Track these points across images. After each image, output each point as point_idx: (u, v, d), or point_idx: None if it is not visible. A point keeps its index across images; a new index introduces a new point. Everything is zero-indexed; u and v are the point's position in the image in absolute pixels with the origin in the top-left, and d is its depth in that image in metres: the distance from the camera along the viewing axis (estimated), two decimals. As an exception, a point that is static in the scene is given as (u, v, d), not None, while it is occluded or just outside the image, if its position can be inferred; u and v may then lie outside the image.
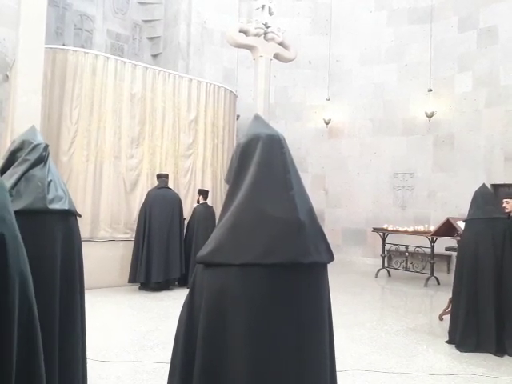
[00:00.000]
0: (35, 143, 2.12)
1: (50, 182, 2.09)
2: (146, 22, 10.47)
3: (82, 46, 8.81)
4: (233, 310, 1.14)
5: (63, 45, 8.04)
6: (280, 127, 9.94)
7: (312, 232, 1.21)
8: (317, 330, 1.23)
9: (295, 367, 1.17)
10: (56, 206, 2.07)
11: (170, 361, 1.34)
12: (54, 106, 5.98)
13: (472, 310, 3.96)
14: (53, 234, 2.06)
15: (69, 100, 6.05)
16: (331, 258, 1.27)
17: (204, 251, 1.21)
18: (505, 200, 4.40)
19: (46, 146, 2.17)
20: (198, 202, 6.64)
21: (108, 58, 6.49)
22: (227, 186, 1.32)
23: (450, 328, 4.18)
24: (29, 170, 2.04)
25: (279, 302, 1.16)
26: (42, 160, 2.11)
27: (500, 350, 3.82)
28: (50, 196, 2.05)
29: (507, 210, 4.34)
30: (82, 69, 6.14)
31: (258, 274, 1.14)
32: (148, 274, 5.86)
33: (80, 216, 2.32)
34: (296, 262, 1.15)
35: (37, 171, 2.07)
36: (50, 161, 2.18)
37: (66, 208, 2.12)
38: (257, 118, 1.39)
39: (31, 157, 2.07)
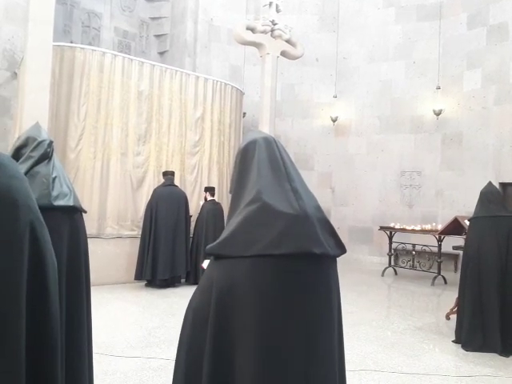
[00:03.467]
0: (39, 140, 2.12)
1: (54, 179, 2.09)
2: (153, 19, 10.48)
3: (90, 44, 8.85)
4: (243, 302, 1.14)
5: (71, 42, 8.08)
6: (287, 125, 9.93)
7: (321, 227, 1.22)
8: (326, 322, 1.23)
9: (304, 360, 1.16)
10: (61, 202, 2.07)
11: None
12: (62, 103, 6.01)
13: (477, 310, 3.93)
14: (58, 230, 2.06)
15: (76, 97, 6.08)
16: (342, 251, 1.27)
17: (213, 244, 1.22)
18: None
19: (51, 143, 2.18)
20: (206, 199, 6.65)
21: (115, 55, 6.50)
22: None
23: (456, 327, 4.16)
24: (33, 167, 2.04)
25: (290, 292, 1.16)
26: (46, 156, 2.11)
27: (505, 351, 3.79)
28: (54, 193, 2.05)
29: None
30: (90, 66, 6.16)
31: (269, 264, 1.14)
32: (154, 271, 5.89)
33: (85, 212, 2.32)
34: (307, 252, 1.16)
35: (41, 168, 2.07)
36: (55, 157, 2.18)
37: (71, 204, 2.12)
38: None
39: (36, 153, 2.07)
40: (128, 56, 6.85)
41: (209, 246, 1.23)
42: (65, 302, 2.03)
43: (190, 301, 1.32)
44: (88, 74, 6.14)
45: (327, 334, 1.24)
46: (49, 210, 2.01)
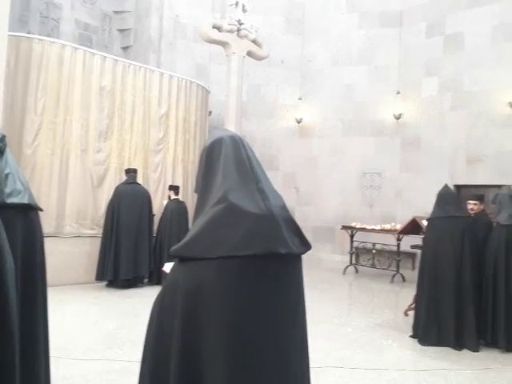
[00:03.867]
0: None
1: (7, 175, 1.99)
2: (116, 12, 10.20)
3: (48, 36, 8.48)
4: (210, 304, 1.12)
5: (28, 33, 7.71)
6: (252, 125, 9.95)
7: (286, 226, 1.22)
8: (293, 320, 1.24)
9: (274, 360, 1.17)
10: (14, 200, 1.98)
11: (139, 360, 1.32)
12: (18, 96, 5.74)
13: (433, 306, 4.11)
14: (12, 229, 1.96)
15: (33, 91, 5.81)
16: (307, 248, 1.28)
17: (178, 245, 1.19)
18: (472, 202, 4.57)
19: (3, 137, 2.07)
20: (170, 198, 6.54)
21: (76, 48, 6.28)
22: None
23: (414, 323, 4.33)
24: None
25: (257, 293, 1.16)
26: None
27: (459, 344, 3.98)
28: (7, 190, 1.96)
29: (473, 212, 4.52)
30: (48, 59, 5.91)
31: (235, 266, 1.13)
32: (116, 271, 5.74)
33: (42, 210, 2.23)
34: (273, 252, 1.15)
35: None
36: (8, 152, 2.08)
37: (26, 202, 2.03)
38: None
39: None
40: (89, 50, 6.63)
41: (173, 248, 1.20)
42: (18, 303, 1.94)
43: (154, 303, 1.29)
44: (46, 66, 5.90)
45: (296, 332, 1.25)
46: (1, 207, 1.91)
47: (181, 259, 1.19)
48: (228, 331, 1.12)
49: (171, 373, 1.13)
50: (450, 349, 3.95)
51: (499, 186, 5.36)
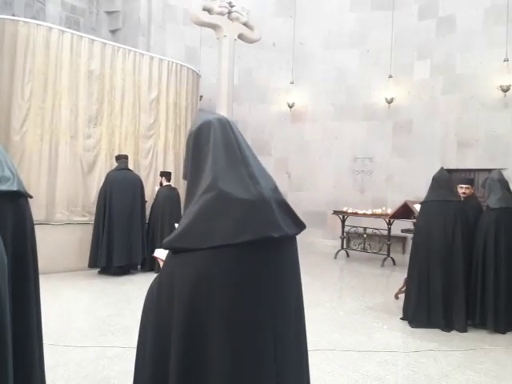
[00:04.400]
0: None
1: None
2: (103, -6, 9.94)
3: (34, 18, 8.25)
4: (208, 295, 1.12)
5: (13, 15, 7.50)
6: (244, 109, 9.87)
7: (278, 208, 1.21)
8: (289, 303, 1.25)
9: (273, 344, 1.18)
10: (3, 187, 1.94)
11: (132, 346, 1.32)
12: (4, 81, 5.61)
13: (423, 289, 4.18)
14: (1, 217, 1.94)
15: (20, 75, 5.68)
16: (301, 229, 1.28)
17: (171, 236, 1.18)
18: (464, 186, 4.61)
19: None
20: (161, 184, 6.50)
21: (63, 31, 6.13)
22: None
23: (404, 305, 4.40)
24: None
25: (253, 279, 1.16)
26: None
27: (448, 325, 4.06)
28: None
29: (465, 196, 4.56)
30: (35, 42, 5.77)
31: (230, 254, 1.12)
32: (109, 258, 5.72)
33: (31, 197, 2.20)
34: (266, 237, 1.15)
35: None
36: None
37: (15, 189, 1.99)
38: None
39: None
40: (77, 33, 6.48)
41: (166, 240, 1.18)
42: (10, 291, 1.93)
43: (149, 296, 1.27)
44: (33, 50, 5.76)
45: (294, 315, 1.26)
46: (-11, 195, 1.88)
47: (174, 251, 1.18)
48: (227, 318, 1.12)
49: (171, 362, 1.13)
50: (439, 330, 4.04)
51: (489, 170, 5.41)
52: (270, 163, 9.80)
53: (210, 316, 1.12)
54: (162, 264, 1.40)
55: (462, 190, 4.61)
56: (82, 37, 6.30)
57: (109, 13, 9.98)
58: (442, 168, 4.56)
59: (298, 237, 1.31)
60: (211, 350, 1.12)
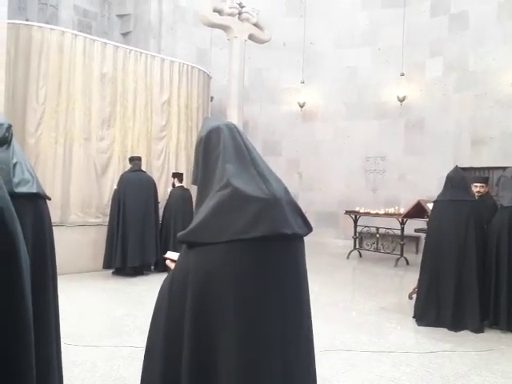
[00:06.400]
0: None
1: (15, 165, 2.00)
2: (114, -2, 10.05)
3: (47, 22, 8.38)
4: (221, 289, 1.15)
5: (26, 20, 7.63)
6: (255, 110, 9.89)
7: (289, 208, 1.26)
8: (299, 299, 1.29)
9: (282, 334, 1.21)
10: (23, 189, 1.98)
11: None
12: (19, 85, 5.71)
13: (433, 288, 4.15)
14: (21, 218, 1.97)
15: (35, 79, 5.78)
16: (309, 230, 1.34)
17: (186, 231, 1.22)
18: (478, 184, 4.55)
19: (9, 127, 2.07)
20: (174, 185, 6.55)
21: (76, 35, 6.22)
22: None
23: (415, 304, 4.37)
24: None
25: (265, 275, 1.19)
26: (5, 141, 2.01)
27: (455, 325, 4.00)
28: (16, 179, 1.97)
29: (480, 194, 4.50)
30: (48, 46, 5.86)
31: (243, 249, 1.16)
32: (123, 258, 5.78)
33: (49, 199, 2.24)
34: (279, 233, 1.19)
35: (0, 153, 1.97)
36: (15, 142, 2.08)
37: (34, 191, 2.04)
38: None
39: None
40: (89, 36, 6.57)
41: (181, 234, 1.22)
42: (30, 292, 1.97)
43: (163, 288, 1.30)
44: (47, 54, 5.85)
45: (302, 308, 1.30)
46: (10, 197, 1.91)
47: (189, 245, 1.21)
48: (239, 312, 1.15)
49: (184, 356, 1.16)
50: (453, 331, 3.98)
51: (504, 168, 5.32)
52: (280, 163, 9.80)
53: (223, 309, 1.15)
54: (170, 264, 1.44)
55: (477, 188, 4.55)
56: (94, 40, 6.38)
57: (120, 16, 10.09)
58: (456, 166, 4.50)
59: (309, 237, 1.35)
60: (223, 341, 1.14)
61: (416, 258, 7.60)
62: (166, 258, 1.49)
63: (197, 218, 1.22)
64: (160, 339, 1.25)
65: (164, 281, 1.33)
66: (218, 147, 1.28)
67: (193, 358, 1.15)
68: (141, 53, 6.89)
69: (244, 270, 1.16)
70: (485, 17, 8.00)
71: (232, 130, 1.33)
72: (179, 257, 1.29)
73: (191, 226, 1.21)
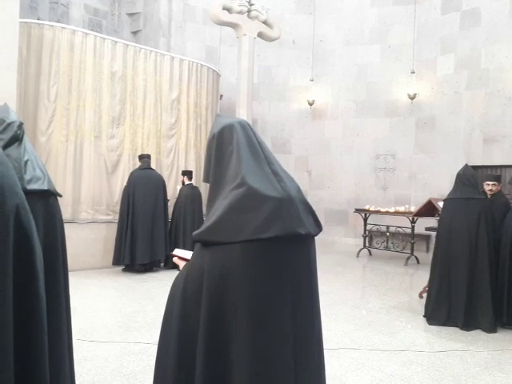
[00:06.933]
0: (8, 121, 2.02)
1: (26, 162, 2.01)
2: (124, -4, 10.10)
3: (58, 21, 8.46)
4: (237, 288, 1.15)
5: (38, 19, 7.70)
6: (264, 108, 9.88)
7: (302, 208, 1.26)
8: (312, 298, 1.30)
9: (295, 333, 1.21)
10: (34, 186, 2.00)
11: (157, 342, 1.35)
12: (31, 83, 5.77)
13: (444, 286, 4.10)
14: (33, 215, 1.99)
15: (46, 77, 5.84)
16: (320, 229, 1.34)
17: (201, 230, 1.21)
18: (490, 183, 4.49)
19: (21, 124, 2.08)
20: (183, 183, 6.57)
21: (86, 33, 6.26)
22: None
23: (426, 303, 4.33)
24: (3, 150, 1.96)
25: (280, 275, 1.19)
26: (16, 139, 2.03)
27: (466, 325, 3.96)
28: (27, 176, 1.98)
29: (492, 193, 4.44)
30: (59, 45, 5.91)
31: (259, 248, 1.16)
32: (133, 255, 5.82)
33: (60, 196, 2.26)
34: (293, 233, 1.19)
35: (12, 151, 1.99)
36: (26, 139, 2.10)
37: (46, 188, 2.05)
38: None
39: (5, 136, 1.98)
40: (100, 35, 6.60)
41: (196, 232, 1.21)
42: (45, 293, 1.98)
43: (175, 287, 1.30)
44: (58, 52, 5.90)
45: (313, 310, 1.30)
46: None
47: (204, 243, 1.21)
48: (254, 312, 1.15)
49: (198, 352, 1.16)
50: (464, 330, 3.95)
51: (517, 166, 5.25)
52: (290, 161, 9.78)
53: (238, 309, 1.15)
54: (178, 262, 1.43)
55: (489, 186, 4.50)
56: (104, 39, 6.42)
57: (130, 15, 10.14)
58: (466, 165, 4.44)
59: (319, 235, 1.35)
60: (237, 340, 1.15)
61: (426, 257, 7.54)
62: (173, 255, 1.49)
63: (212, 217, 1.21)
64: (173, 338, 1.24)
65: (176, 278, 1.32)
66: (231, 144, 1.27)
67: (207, 357, 1.15)
68: (150, 51, 6.91)
69: (260, 269, 1.16)
70: (497, 13, 7.89)
71: (245, 127, 1.32)
72: (193, 255, 1.28)
73: (206, 224, 1.20)
